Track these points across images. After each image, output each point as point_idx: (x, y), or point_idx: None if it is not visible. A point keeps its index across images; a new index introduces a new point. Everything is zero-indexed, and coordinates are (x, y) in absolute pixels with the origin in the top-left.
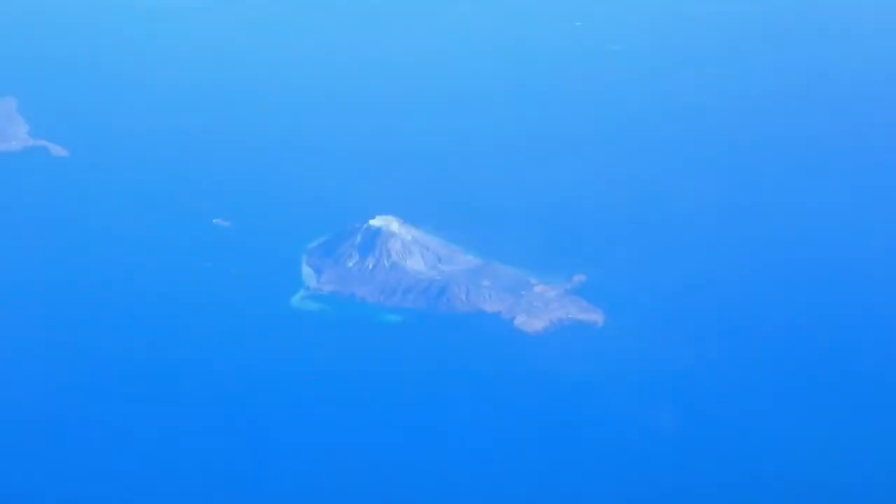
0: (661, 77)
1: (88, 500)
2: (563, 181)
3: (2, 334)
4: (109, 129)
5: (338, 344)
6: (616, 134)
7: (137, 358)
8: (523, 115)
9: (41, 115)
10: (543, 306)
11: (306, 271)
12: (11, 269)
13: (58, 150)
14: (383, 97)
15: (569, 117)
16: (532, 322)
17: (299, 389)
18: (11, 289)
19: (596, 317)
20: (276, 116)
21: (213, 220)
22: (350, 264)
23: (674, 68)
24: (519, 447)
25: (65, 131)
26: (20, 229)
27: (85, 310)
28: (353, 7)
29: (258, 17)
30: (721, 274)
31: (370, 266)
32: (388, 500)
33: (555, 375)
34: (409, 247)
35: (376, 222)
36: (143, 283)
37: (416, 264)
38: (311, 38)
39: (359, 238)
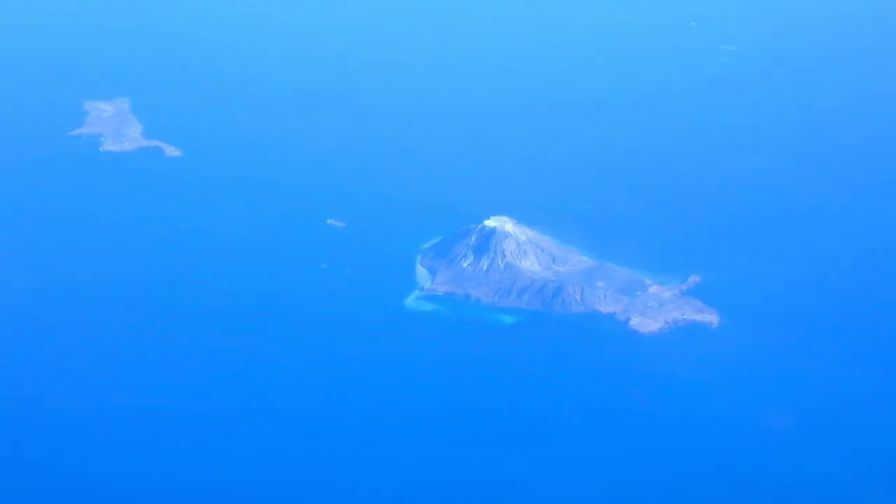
0: (774, 77)
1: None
2: (676, 182)
3: (120, 333)
4: (222, 130)
5: (452, 344)
6: (728, 135)
7: (253, 357)
8: (636, 117)
9: (154, 116)
10: (658, 307)
11: (420, 272)
12: (127, 269)
13: (171, 151)
14: (497, 99)
15: (682, 118)
16: (647, 322)
17: (413, 388)
18: (128, 287)
19: (711, 317)
20: (390, 118)
21: (328, 221)
22: (464, 265)
23: (787, 68)
24: (633, 445)
25: (177, 131)
26: (137, 229)
27: (201, 309)
28: (462, 9)
29: (366, 23)
30: (836, 275)
31: (484, 267)
32: (502, 493)
33: (669, 375)
34: (523, 247)
35: (491, 223)
36: (259, 283)
37: (530, 265)
38: (422, 42)
39: (473, 238)
